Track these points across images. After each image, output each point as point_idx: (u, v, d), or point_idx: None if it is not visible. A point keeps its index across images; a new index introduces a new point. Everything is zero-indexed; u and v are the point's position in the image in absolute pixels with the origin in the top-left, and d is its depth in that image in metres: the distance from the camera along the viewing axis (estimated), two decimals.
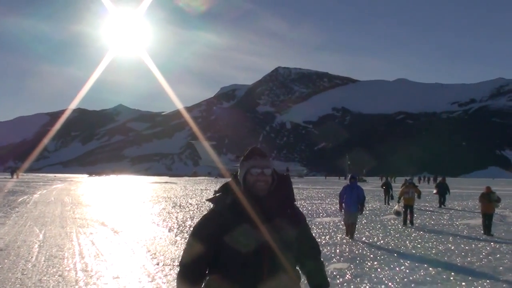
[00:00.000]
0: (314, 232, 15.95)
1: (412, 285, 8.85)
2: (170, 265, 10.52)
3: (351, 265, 10.53)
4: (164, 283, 8.87)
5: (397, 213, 18.97)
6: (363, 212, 16.24)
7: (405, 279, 9.25)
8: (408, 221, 18.55)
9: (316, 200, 33.21)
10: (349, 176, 15.99)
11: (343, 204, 15.04)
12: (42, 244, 13.20)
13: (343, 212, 15.36)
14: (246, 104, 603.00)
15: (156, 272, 9.75)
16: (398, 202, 19.56)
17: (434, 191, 30.18)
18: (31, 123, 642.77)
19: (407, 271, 9.99)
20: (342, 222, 16.03)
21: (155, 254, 11.85)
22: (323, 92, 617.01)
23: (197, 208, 25.50)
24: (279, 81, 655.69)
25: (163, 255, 11.74)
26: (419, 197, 21.35)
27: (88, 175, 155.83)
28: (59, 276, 9.35)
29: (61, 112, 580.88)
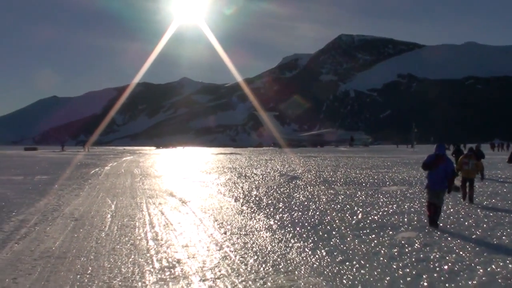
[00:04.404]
0: (381, 201, 15.72)
1: (485, 254, 8.57)
2: (237, 234, 10.65)
3: (420, 234, 10.30)
4: (232, 251, 8.99)
5: (455, 188, 14.31)
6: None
7: (477, 248, 8.97)
8: (468, 197, 15.69)
9: (382, 169, 32.68)
10: (436, 145, 12.41)
11: (427, 179, 11.99)
12: (114, 214, 13.67)
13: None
14: (309, 73, 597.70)
15: (224, 241, 9.89)
16: (456, 175, 15.57)
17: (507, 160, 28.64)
18: (100, 97, 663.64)
19: (479, 239, 9.69)
20: (409, 193, 15.08)
21: (222, 223, 12.03)
22: (388, 59, 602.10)
23: (262, 178, 25.65)
24: (342, 49, 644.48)
25: (230, 224, 11.89)
26: (482, 175, 19.77)
27: (155, 147, 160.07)
28: (131, 244, 9.65)
29: (128, 86, 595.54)
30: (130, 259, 8.49)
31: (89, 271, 7.76)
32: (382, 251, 8.82)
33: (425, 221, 11.77)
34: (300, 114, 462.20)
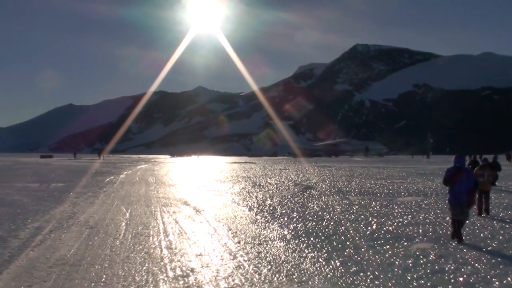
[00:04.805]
0: (396, 211, 15.62)
1: (500, 266, 8.48)
2: (251, 243, 10.64)
3: (435, 245, 10.21)
4: (246, 261, 8.98)
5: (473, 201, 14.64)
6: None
7: (493, 260, 8.87)
8: (484, 210, 15.26)
9: (397, 179, 32.48)
10: (455, 157, 12.07)
11: (448, 195, 11.48)
12: (128, 222, 13.74)
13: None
14: (324, 83, 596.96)
15: (238, 250, 9.89)
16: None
17: None
18: (116, 106, 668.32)
19: (494, 251, 9.58)
20: (424, 204, 15.00)
21: (236, 232, 12.03)
22: (403, 68, 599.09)
23: (276, 188, 25.63)
24: (357, 59, 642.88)
25: (244, 233, 11.89)
26: (494, 182, 19.54)
27: (170, 156, 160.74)
28: (145, 253, 9.69)
29: (144, 95, 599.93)
30: (144, 268, 8.53)
31: (103, 279, 7.80)
32: (397, 262, 8.76)
33: (440, 232, 11.69)
34: (315, 123, 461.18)
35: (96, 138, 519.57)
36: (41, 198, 20.03)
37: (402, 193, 22.14)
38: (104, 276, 7.95)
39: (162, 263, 8.84)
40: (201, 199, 20.13)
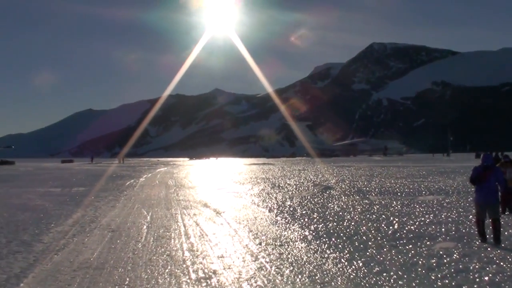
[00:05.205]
0: (417, 210, 15.49)
1: None
2: (272, 244, 10.63)
3: (458, 244, 10.10)
4: (267, 262, 8.97)
5: None
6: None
7: None
8: (507, 208, 14.66)
9: (418, 178, 32.23)
10: (482, 155, 11.44)
11: (475, 194, 11.08)
12: (150, 225, 13.83)
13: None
14: (341, 82, 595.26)
15: (259, 252, 9.88)
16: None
17: None
18: (134, 110, 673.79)
19: None
20: (446, 203, 14.90)
21: (257, 234, 12.03)
22: (421, 66, 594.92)
23: (296, 189, 25.59)
24: (374, 57, 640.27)
25: (264, 235, 11.89)
26: None
27: (189, 158, 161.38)
28: (167, 255, 9.73)
29: (161, 98, 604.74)
30: (167, 270, 8.56)
31: (127, 282, 7.85)
32: (420, 262, 8.68)
33: (463, 231, 11.56)
34: (333, 123, 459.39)
35: (115, 142, 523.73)
36: (63, 202, 20.25)
37: (423, 192, 21.95)
38: (128, 279, 8.00)
39: (184, 265, 8.87)
40: (221, 201, 20.18)
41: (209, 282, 7.74)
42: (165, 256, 9.71)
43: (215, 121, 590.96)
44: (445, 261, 8.75)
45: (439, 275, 7.81)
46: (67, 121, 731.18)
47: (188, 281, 7.85)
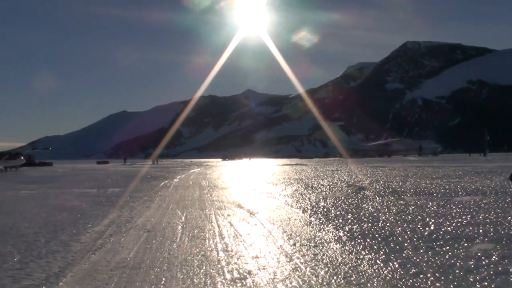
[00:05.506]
0: (454, 211, 15.23)
1: None
2: (306, 245, 10.59)
3: (497, 246, 9.88)
4: (302, 263, 8.95)
5: None
6: None
7: None
8: None
9: (454, 178, 31.65)
10: None
11: None
12: (184, 225, 13.94)
13: None
14: (374, 82, 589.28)
15: (294, 253, 9.86)
16: None
17: None
18: (168, 111, 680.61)
19: None
20: (483, 203, 14.61)
21: (291, 234, 12.01)
22: (456, 65, 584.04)
23: (329, 189, 25.43)
24: (408, 56, 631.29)
25: (299, 235, 11.86)
26: None
27: (222, 159, 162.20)
28: (202, 256, 9.80)
29: (194, 99, 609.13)
30: (202, 270, 8.63)
31: (163, 282, 7.94)
32: (458, 264, 8.54)
33: (502, 232, 11.31)
34: (366, 123, 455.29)
35: (149, 143, 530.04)
36: (99, 203, 20.58)
37: (460, 193, 21.55)
38: (164, 279, 8.10)
39: (219, 266, 8.92)
40: (254, 202, 20.20)
41: (244, 283, 7.77)
42: (200, 256, 9.78)
43: (247, 122, 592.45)
44: (483, 263, 8.59)
45: (477, 277, 7.67)
46: (102, 123, 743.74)
47: (223, 281, 7.90)
